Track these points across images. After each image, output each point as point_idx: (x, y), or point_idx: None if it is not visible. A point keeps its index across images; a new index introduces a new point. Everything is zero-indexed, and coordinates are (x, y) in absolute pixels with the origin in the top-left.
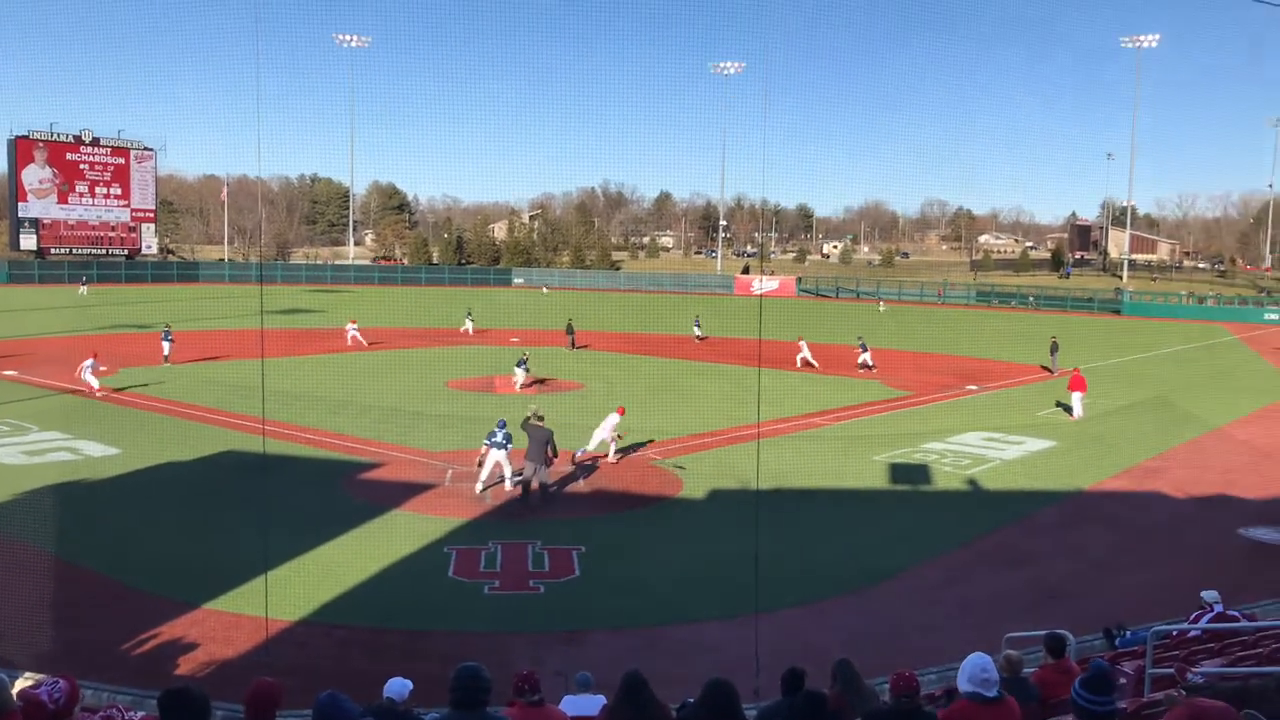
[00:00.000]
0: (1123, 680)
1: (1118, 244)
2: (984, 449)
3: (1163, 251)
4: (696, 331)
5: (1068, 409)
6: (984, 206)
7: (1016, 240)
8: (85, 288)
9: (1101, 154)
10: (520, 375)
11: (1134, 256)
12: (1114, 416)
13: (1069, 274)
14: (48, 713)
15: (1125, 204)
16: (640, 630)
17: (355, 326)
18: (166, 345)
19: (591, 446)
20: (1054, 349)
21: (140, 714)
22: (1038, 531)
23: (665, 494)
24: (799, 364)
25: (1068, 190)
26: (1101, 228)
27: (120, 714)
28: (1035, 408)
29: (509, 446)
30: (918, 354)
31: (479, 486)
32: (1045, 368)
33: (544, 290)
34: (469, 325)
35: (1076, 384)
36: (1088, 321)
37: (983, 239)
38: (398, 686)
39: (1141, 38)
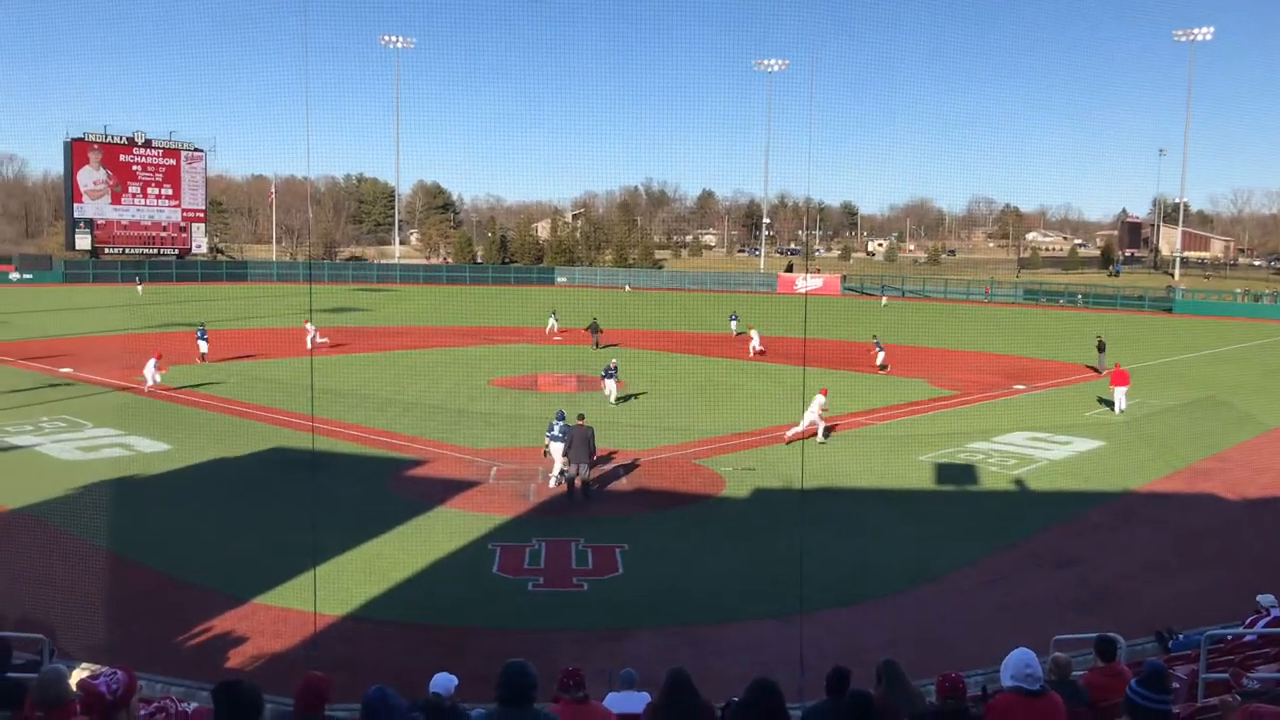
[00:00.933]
0: (1176, 685)
1: (1169, 241)
2: (1031, 449)
3: (1216, 249)
4: (734, 326)
5: (1109, 404)
6: (1032, 204)
7: (1065, 238)
8: (141, 286)
9: (1153, 150)
10: (611, 386)
11: (1186, 254)
12: (1165, 416)
13: (1119, 272)
14: (106, 703)
15: (1178, 200)
16: (684, 628)
17: (314, 328)
18: (203, 344)
19: (802, 427)
20: (1101, 348)
21: (193, 705)
22: (1086, 532)
23: (708, 493)
24: (751, 353)
25: (1118, 187)
26: (1153, 225)
27: (174, 705)
28: (1083, 407)
29: (563, 434)
30: (964, 353)
31: (552, 482)
32: (1093, 368)
33: (626, 288)
34: (553, 324)
35: (1119, 379)
36: (1138, 320)
37: (1030, 236)
38: (444, 681)
39: (1195, 31)
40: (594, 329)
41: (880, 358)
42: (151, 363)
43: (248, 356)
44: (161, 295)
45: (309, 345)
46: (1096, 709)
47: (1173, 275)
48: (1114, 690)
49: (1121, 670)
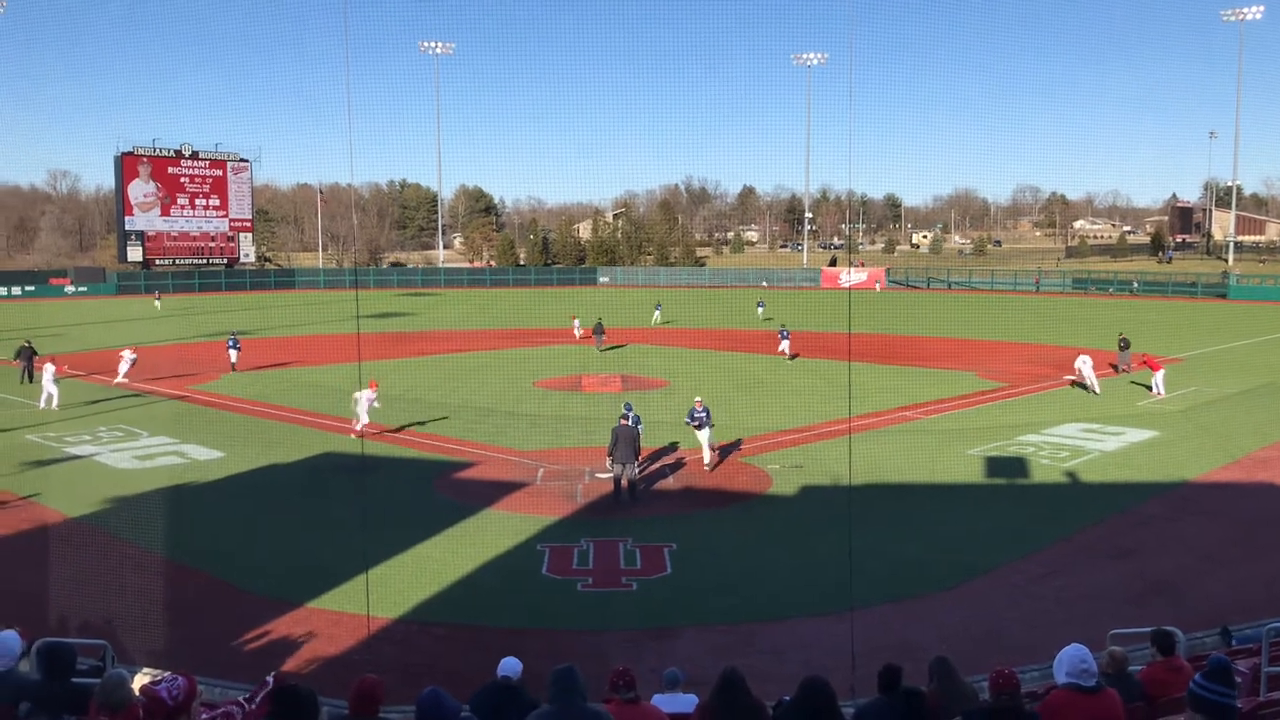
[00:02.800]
0: (1238, 679)
1: (1222, 225)
2: (1083, 440)
3: (1272, 232)
4: (760, 313)
5: (1148, 388)
6: (1079, 191)
7: (1114, 225)
8: (159, 301)
9: (1204, 133)
10: (705, 438)
11: (1240, 238)
12: (1222, 405)
13: (1171, 258)
14: (166, 709)
15: (1230, 183)
16: (733, 627)
17: (132, 354)
18: (233, 353)
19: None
20: (1123, 346)
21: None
22: (1141, 524)
23: (755, 491)
24: (577, 337)
25: (1168, 171)
26: (1205, 209)
27: (241, 710)
28: (1136, 397)
29: (641, 428)
30: (1012, 344)
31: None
32: (1113, 365)
33: (764, 284)
34: (658, 316)
35: (1152, 364)
36: (1191, 307)
37: (1078, 224)
38: (511, 664)
39: (1244, 10)
40: (598, 330)
41: (783, 345)
42: (365, 394)
43: (284, 364)
44: (207, 304)
45: (121, 376)
46: (1155, 704)
47: (1226, 260)
48: (1173, 685)
49: (1181, 665)
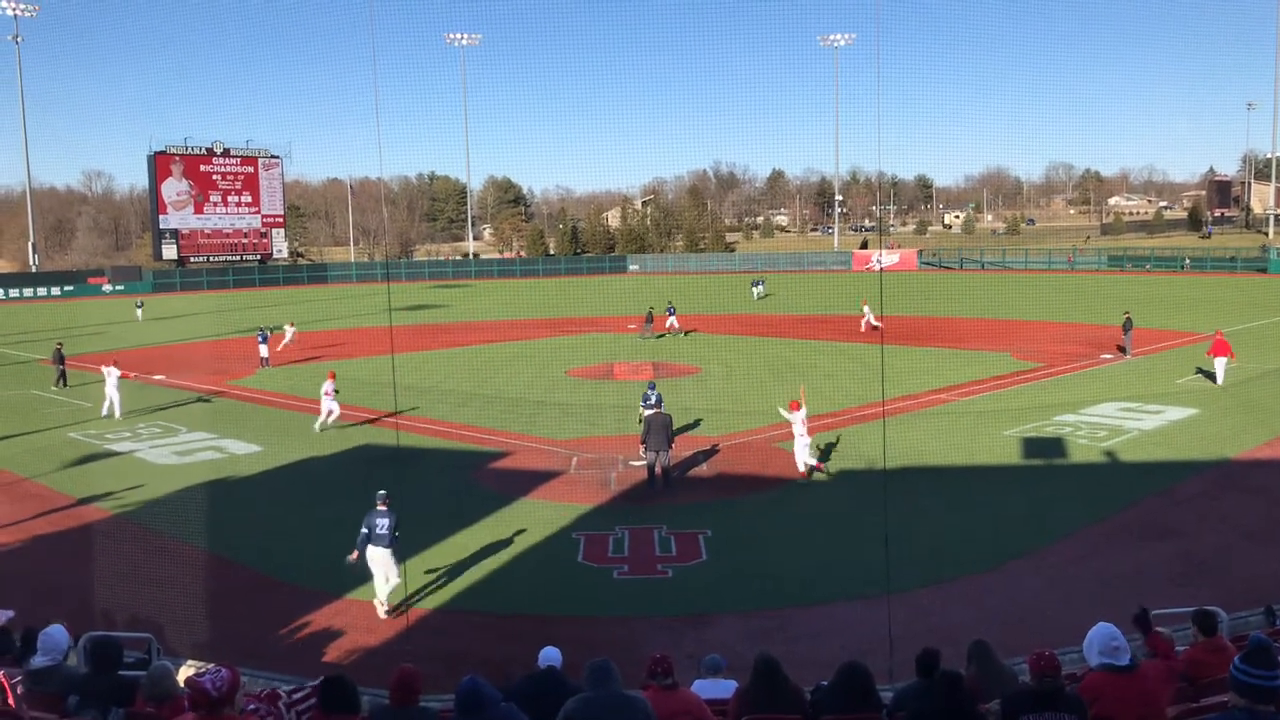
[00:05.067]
0: None
1: (1262, 199)
2: (1121, 419)
3: None
4: (757, 291)
5: (1211, 376)
6: (1113, 167)
7: (1149, 201)
8: (140, 309)
9: (1241, 104)
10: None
11: None
12: (1262, 381)
13: (1211, 233)
14: (211, 700)
15: (1270, 156)
16: (770, 612)
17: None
18: (263, 348)
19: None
20: (1128, 326)
21: (293, 687)
22: (1182, 503)
23: (789, 476)
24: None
25: (1204, 145)
26: (1243, 182)
27: (284, 696)
28: (1175, 375)
29: (662, 408)
30: (1047, 323)
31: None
32: (1120, 348)
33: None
34: (760, 291)
35: (1220, 349)
36: (1231, 282)
37: (1113, 201)
38: (552, 654)
39: None
40: (648, 318)
41: (670, 321)
42: (795, 416)
43: (314, 359)
44: (238, 301)
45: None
46: (1198, 685)
47: (1267, 234)
48: (1215, 666)
49: (1223, 645)
